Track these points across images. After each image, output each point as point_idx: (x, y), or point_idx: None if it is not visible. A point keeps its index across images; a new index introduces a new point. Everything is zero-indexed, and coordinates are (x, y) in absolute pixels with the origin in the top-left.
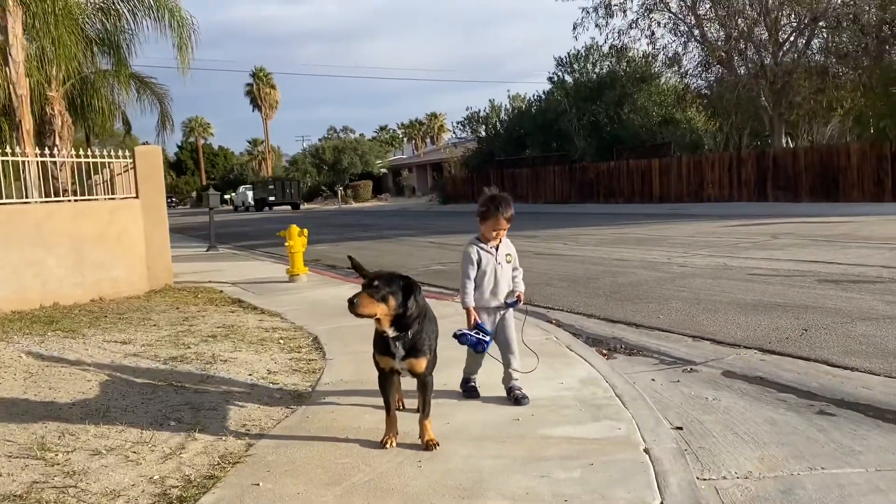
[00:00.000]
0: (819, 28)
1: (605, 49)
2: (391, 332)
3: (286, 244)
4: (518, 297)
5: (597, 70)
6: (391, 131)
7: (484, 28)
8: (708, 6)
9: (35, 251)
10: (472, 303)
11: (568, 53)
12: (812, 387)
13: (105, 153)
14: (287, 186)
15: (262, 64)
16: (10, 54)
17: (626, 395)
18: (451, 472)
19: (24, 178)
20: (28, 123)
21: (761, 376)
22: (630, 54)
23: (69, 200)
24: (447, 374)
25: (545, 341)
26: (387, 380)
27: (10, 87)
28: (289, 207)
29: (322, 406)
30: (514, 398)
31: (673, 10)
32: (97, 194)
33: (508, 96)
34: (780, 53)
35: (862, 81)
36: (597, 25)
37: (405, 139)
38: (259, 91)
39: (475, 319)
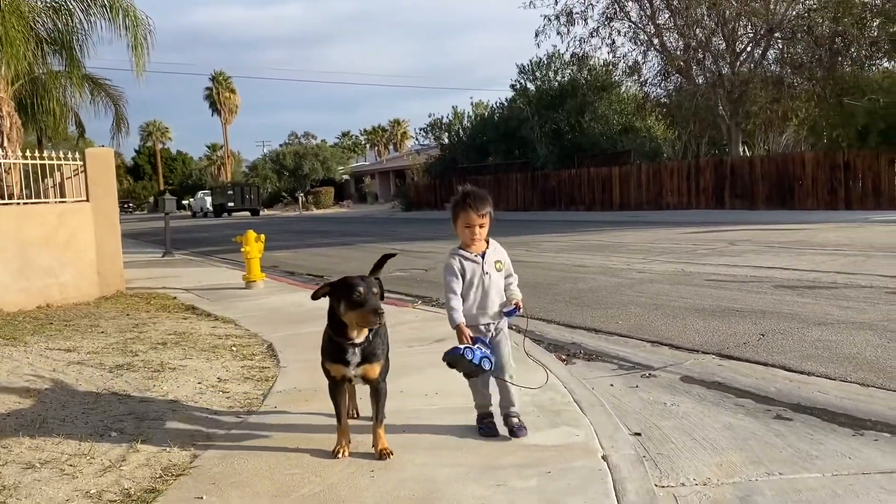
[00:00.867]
0: (775, 39)
1: (567, 57)
2: (360, 339)
3: (242, 250)
4: (516, 304)
5: (558, 78)
6: (354, 137)
7: (448, 35)
8: (667, 16)
9: None
10: (461, 318)
11: (530, 61)
12: (770, 392)
13: (54, 155)
14: (247, 192)
15: (222, 68)
16: None
17: (585, 400)
18: (405, 481)
19: None
20: None
21: (719, 381)
22: (591, 63)
23: (15, 203)
24: (404, 382)
25: None
26: (338, 388)
27: None
28: (248, 213)
29: (273, 415)
30: (510, 428)
31: (633, 20)
32: (48, 198)
33: (471, 103)
34: (738, 63)
35: (816, 92)
36: (558, 33)
37: (368, 146)
38: (219, 95)
39: (469, 335)
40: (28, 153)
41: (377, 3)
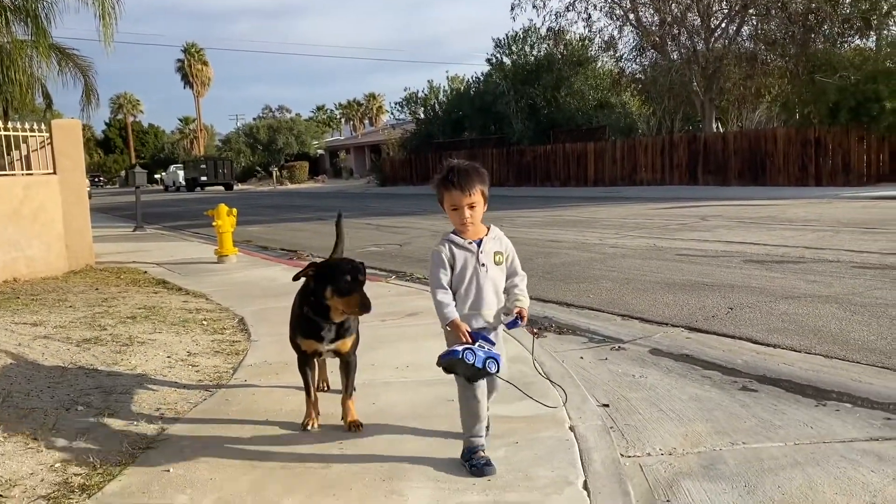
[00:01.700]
0: (749, 15)
1: (543, 31)
2: (339, 319)
3: (214, 224)
4: (518, 313)
5: (535, 53)
6: (328, 112)
7: (424, 8)
8: None
9: None
10: (454, 314)
11: (506, 35)
12: (736, 364)
13: (20, 127)
14: (220, 166)
15: (195, 40)
16: None
17: (555, 372)
18: (374, 453)
19: None
20: None
21: (687, 354)
22: (567, 37)
23: None
24: (375, 355)
25: None
26: (308, 362)
27: None
28: (222, 188)
29: (243, 388)
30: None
31: None
32: (14, 171)
33: (447, 77)
34: (712, 39)
35: (789, 68)
36: (534, 6)
37: (343, 120)
38: (191, 68)
39: (467, 332)
40: None
41: None
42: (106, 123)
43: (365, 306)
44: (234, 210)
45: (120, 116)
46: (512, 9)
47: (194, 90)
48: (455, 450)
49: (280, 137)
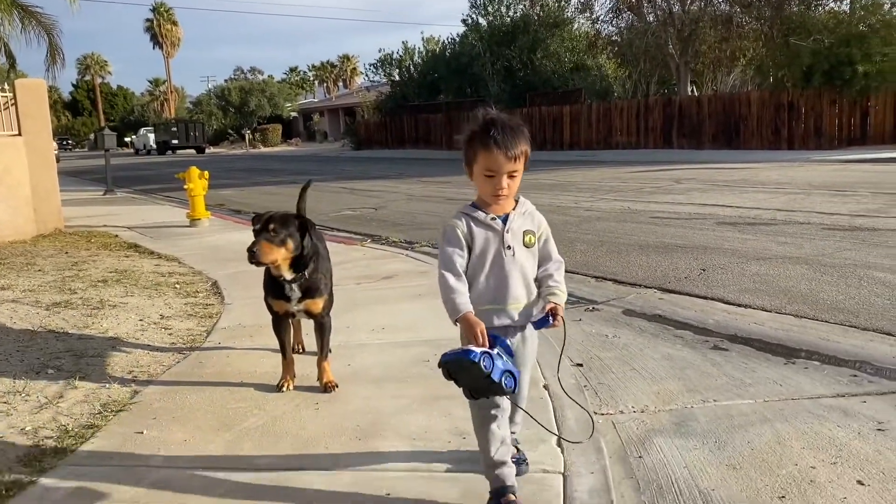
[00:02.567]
0: None
1: None
2: (289, 276)
3: (186, 187)
4: (552, 310)
5: (511, 13)
6: (302, 73)
7: None
8: None
9: None
10: (468, 306)
11: None
12: (708, 323)
13: None
14: (191, 129)
15: None
16: None
17: None
18: (350, 413)
19: None
20: None
21: (660, 314)
22: None
23: None
24: (351, 317)
25: None
26: (281, 323)
27: None
28: (193, 151)
29: (217, 351)
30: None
31: None
32: None
33: (422, 39)
34: (688, 2)
35: (763, 31)
36: None
37: (316, 82)
38: (160, 27)
39: (484, 333)
40: None
41: None
42: (73, 85)
43: (250, 251)
44: (206, 173)
45: (87, 78)
46: None
47: (164, 51)
48: (431, 408)
49: (252, 99)
